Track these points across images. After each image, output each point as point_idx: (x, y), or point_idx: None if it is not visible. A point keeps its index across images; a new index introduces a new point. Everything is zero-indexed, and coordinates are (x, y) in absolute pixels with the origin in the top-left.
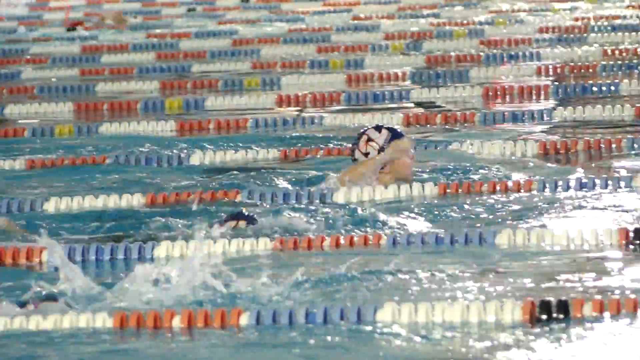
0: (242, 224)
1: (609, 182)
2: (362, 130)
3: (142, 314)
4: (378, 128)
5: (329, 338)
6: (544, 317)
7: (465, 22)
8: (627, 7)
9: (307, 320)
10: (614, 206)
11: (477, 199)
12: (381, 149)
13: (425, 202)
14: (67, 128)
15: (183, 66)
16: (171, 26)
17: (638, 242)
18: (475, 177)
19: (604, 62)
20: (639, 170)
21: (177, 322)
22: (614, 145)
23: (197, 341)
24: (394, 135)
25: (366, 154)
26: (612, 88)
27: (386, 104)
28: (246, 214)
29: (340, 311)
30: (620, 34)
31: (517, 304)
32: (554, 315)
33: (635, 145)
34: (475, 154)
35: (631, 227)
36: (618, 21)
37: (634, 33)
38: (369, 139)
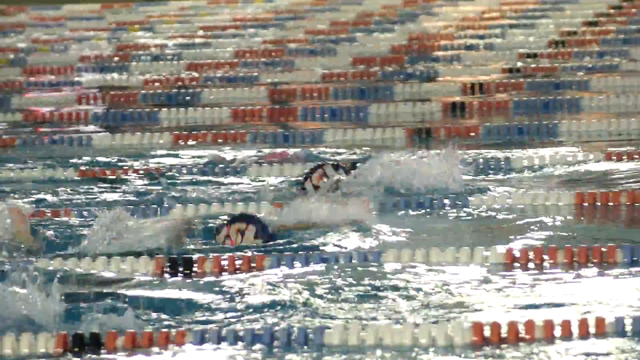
0: (250, 231)
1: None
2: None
3: None
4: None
5: None
6: (77, 349)
7: (8, 49)
8: (170, 37)
9: None
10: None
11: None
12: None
13: None
14: None
15: None
16: None
17: (173, 270)
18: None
19: (144, 91)
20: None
21: None
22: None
23: None
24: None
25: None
26: (151, 117)
27: None
28: (260, 219)
29: None
30: (161, 62)
31: (51, 337)
32: (86, 347)
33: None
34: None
35: (166, 256)
36: (157, 50)
37: (175, 62)
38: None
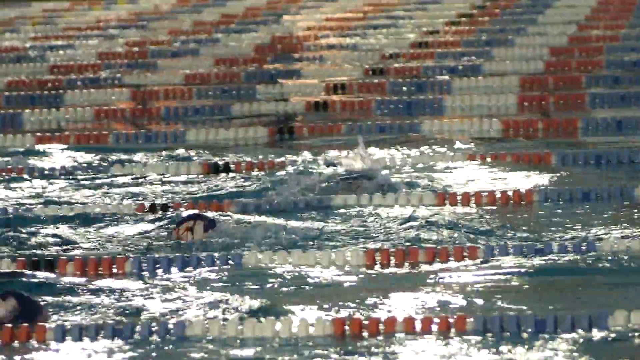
0: (199, 225)
1: None
2: None
3: None
4: None
5: None
6: None
7: None
8: (33, 38)
9: None
10: None
11: None
12: None
13: None
14: None
15: None
16: None
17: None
18: None
19: (7, 93)
20: None
21: None
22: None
23: None
24: None
25: None
26: (14, 119)
27: None
28: (204, 214)
29: None
30: (24, 64)
31: None
32: None
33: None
34: None
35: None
36: (20, 52)
37: (38, 64)
38: None
